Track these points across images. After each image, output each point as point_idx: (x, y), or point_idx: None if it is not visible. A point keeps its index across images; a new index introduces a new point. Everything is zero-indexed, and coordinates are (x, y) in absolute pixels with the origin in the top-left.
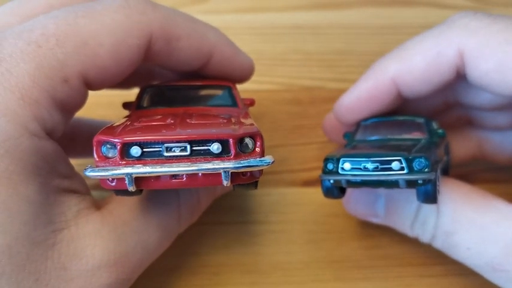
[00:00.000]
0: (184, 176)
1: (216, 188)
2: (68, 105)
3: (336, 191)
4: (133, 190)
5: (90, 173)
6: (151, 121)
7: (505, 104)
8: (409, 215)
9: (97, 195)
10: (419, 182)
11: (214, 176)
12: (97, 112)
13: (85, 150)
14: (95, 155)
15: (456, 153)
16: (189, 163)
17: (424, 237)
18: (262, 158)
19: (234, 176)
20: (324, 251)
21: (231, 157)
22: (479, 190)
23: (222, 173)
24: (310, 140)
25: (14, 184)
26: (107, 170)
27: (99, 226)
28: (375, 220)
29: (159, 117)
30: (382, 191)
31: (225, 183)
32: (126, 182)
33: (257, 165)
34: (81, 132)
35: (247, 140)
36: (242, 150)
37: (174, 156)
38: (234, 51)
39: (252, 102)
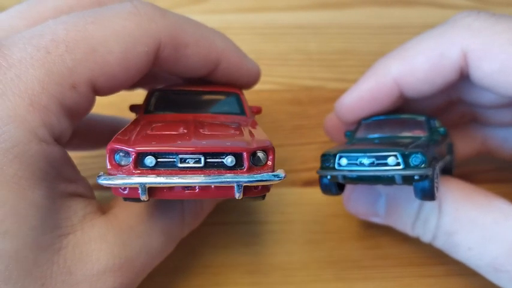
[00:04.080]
0: (197, 187)
1: None
2: (76, 111)
3: (334, 187)
4: (146, 200)
5: (103, 181)
6: (164, 129)
7: (509, 103)
8: (410, 215)
9: (97, 195)
10: (415, 177)
11: (227, 188)
12: (97, 112)
13: (82, 143)
14: (108, 163)
15: (461, 150)
16: (202, 175)
17: (425, 237)
18: (275, 173)
19: (246, 189)
20: (324, 251)
21: (244, 170)
22: (481, 190)
23: (235, 186)
24: (310, 140)
25: (23, 189)
26: (122, 178)
27: (104, 231)
28: (376, 220)
29: (172, 125)
30: (382, 190)
31: (237, 195)
32: (140, 191)
33: (270, 180)
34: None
35: (260, 154)
36: (254, 163)
37: (188, 167)
38: (241, 58)
39: (258, 110)
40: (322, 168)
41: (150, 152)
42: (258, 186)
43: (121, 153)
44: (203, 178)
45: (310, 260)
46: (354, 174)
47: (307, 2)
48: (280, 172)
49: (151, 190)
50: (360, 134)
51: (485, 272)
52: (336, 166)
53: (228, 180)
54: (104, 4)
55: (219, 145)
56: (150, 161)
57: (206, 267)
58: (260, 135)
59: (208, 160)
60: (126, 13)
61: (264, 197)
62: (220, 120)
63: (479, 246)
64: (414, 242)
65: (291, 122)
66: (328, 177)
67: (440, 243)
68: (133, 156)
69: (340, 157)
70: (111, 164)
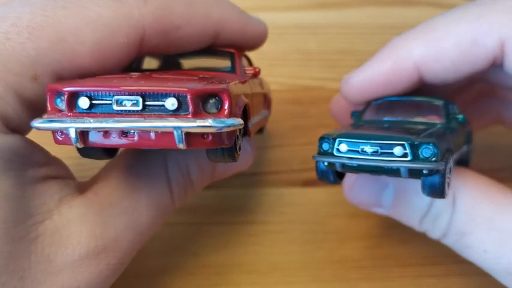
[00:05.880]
0: (135, 135)
1: (213, 168)
2: (37, 103)
3: (332, 175)
4: (79, 146)
5: (34, 124)
6: (117, 75)
7: None
8: (419, 209)
9: None
10: (424, 172)
11: (168, 136)
12: None
13: None
14: (48, 105)
15: (474, 122)
16: (139, 119)
17: (434, 234)
18: (224, 119)
19: (192, 138)
20: (324, 251)
21: (189, 116)
22: (499, 185)
23: (175, 133)
24: (310, 140)
25: None
26: (50, 121)
27: (83, 210)
28: (379, 211)
29: (130, 74)
30: (390, 179)
31: (180, 145)
32: (71, 136)
33: (215, 126)
34: None
35: (212, 99)
36: (207, 110)
37: (124, 110)
38: (243, 22)
39: (255, 72)
40: (319, 153)
41: (83, 93)
42: (207, 135)
43: (62, 97)
44: (136, 122)
45: (310, 260)
46: (354, 162)
47: (307, 2)
48: (231, 118)
49: (85, 136)
50: (368, 116)
51: (500, 276)
52: (335, 152)
53: (163, 124)
54: None
55: (158, 85)
56: (83, 102)
57: (205, 267)
58: (227, 82)
59: (148, 103)
60: None
61: (233, 156)
62: (201, 74)
63: (495, 249)
64: (415, 242)
65: (291, 122)
66: (325, 163)
67: (450, 242)
68: (66, 97)
69: (340, 142)
70: (51, 107)
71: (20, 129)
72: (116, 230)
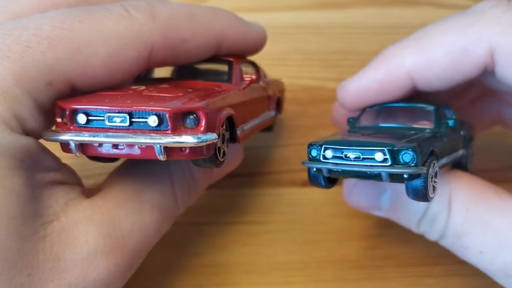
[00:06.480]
0: (124, 147)
1: (212, 170)
2: (50, 108)
3: (323, 180)
4: (78, 155)
5: (43, 136)
6: (115, 91)
7: None
8: (416, 211)
9: None
10: (405, 176)
11: (150, 149)
12: None
13: None
14: (56, 119)
15: (476, 123)
16: (125, 134)
17: (431, 236)
18: (197, 135)
19: (172, 151)
20: (324, 251)
21: (168, 131)
22: (494, 187)
23: (155, 147)
24: (310, 140)
25: (0, 177)
26: (55, 135)
27: (90, 212)
28: (378, 213)
29: (131, 87)
30: (387, 184)
31: (160, 157)
32: (71, 147)
33: (190, 142)
34: None
35: (190, 116)
36: (186, 126)
37: (114, 126)
38: (243, 31)
39: (252, 80)
40: (309, 159)
41: (80, 110)
42: (184, 148)
43: (65, 113)
44: (120, 138)
45: (310, 260)
46: (339, 168)
47: (307, 1)
48: (207, 134)
49: (84, 147)
50: (363, 122)
51: (496, 276)
52: (321, 158)
53: (143, 140)
54: (91, 3)
55: (142, 105)
56: (81, 118)
57: (205, 267)
58: (217, 100)
59: (134, 120)
60: (117, 16)
61: (215, 163)
62: (199, 86)
63: (491, 250)
64: (415, 243)
65: (291, 122)
66: (314, 169)
67: (447, 243)
68: (67, 113)
69: (326, 149)
70: (58, 121)
71: (33, 132)
72: (122, 230)
